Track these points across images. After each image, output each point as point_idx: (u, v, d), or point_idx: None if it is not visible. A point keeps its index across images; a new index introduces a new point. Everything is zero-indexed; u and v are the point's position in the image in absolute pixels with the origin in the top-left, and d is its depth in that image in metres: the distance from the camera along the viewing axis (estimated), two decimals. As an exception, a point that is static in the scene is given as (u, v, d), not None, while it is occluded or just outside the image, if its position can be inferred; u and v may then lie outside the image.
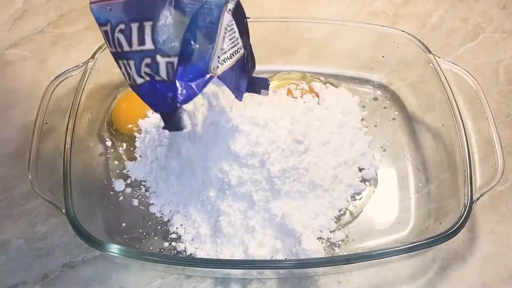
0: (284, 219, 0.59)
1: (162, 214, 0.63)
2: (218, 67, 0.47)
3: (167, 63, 0.45)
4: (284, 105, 0.68)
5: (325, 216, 0.62)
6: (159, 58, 0.45)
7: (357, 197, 0.65)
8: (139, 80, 0.46)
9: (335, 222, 0.63)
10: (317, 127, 0.67)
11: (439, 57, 0.68)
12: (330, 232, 0.62)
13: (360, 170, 0.67)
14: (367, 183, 0.66)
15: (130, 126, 0.70)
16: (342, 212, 0.64)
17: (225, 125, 0.59)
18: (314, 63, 0.77)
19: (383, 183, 0.67)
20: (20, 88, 0.77)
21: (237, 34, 0.49)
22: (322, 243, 0.60)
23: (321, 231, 0.62)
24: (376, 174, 0.67)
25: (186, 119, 0.47)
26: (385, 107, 0.75)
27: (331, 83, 0.76)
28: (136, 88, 0.47)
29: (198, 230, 0.61)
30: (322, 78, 0.76)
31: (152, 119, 0.70)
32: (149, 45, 0.45)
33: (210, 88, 0.55)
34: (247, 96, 0.57)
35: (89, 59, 0.67)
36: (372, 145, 0.70)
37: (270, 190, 0.60)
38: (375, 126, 0.72)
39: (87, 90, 0.66)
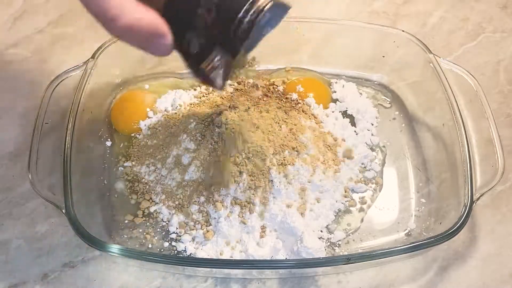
0: (285, 218, 0.59)
1: (162, 214, 0.63)
2: None
3: None
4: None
5: (326, 217, 0.62)
6: None
7: (358, 197, 0.65)
8: None
9: (335, 222, 0.63)
10: (318, 128, 0.67)
11: (439, 57, 0.68)
12: (330, 232, 0.62)
13: (362, 170, 0.67)
14: (368, 183, 0.66)
15: (129, 126, 0.70)
16: (342, 213, 0.64)
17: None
18: (314, 62, 0.77)
19: (384, 183, 0.67)
20: (20, 88, 0.77)
21: None
22: (322, 242, 0.60)
23: (321, 231, 0.62)
24: (378, 175, 0.67)
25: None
26: (385, 107, 0.75)
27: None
28: None
29: (198, 230, 0.61)
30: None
31: (153, 120, 0.70)
32: None
33: None
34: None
35: (89, 59, 0.67)
36: (372, 146, 0.70)
37: (271, 190, 0.60)
38: (375, 126, 0.72)
39: (87, 90, 0.66)
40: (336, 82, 0.76)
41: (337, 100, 0.73)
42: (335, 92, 0.74)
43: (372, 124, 0.72)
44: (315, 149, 0.64)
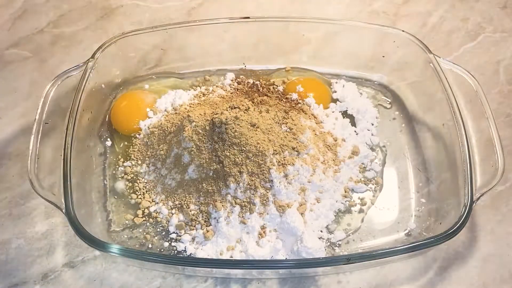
0: (285, 218, 0.59)
1: (162, 214, 0.63)
2: None
3: None
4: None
5: (326, 217, 0.62)
6: None
7: (358, 197, 0.65)
8: None
9: (335, 222, 0.63)
10: (318, 128, 0.67)
11: (439, 57, 0.68)
12: (330, 232, 0.62)
13: (362, 171, 0.67)
14: (368, 184, 0.66)
15: (129, 126, 0.70)
16: (342, 213, 0.64)
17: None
18: (314, 62, 0.77)
19: (384, 183, 0.67)
20: (20, 88, 0.77)
21: None
22: (322, 242, 0.60)
23: (321, 231, 0.62)
24: (378, 175, 0.67)
25: None
26: (385, 107, 0.75)
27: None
28: None
29: (198, 230, 0.61)
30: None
31: (153, 120, 0.70)
32: None
33: None
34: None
35: (89, 59, 0.67)
36: (372, 146, 0.70)
37: (271, 190, 0.60)
38: (376, 126, 0.72)
39: (87, 90, 0.66)
40: (336, 82, 0.76)
41: (337, 100, 0.74)
42: (335, 92, 0.74)
43: (372, 124, 0.72)
44: (315, 149, 0.64)
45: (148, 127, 0.69)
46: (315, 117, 0.69)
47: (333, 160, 0.65)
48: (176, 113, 0.69)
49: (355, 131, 0.70)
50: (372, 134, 0.71)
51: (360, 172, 0.67)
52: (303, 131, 0.64)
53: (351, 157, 0.67)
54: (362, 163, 0.68)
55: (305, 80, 0.74)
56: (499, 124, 0.64)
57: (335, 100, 0.74)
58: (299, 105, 0.70)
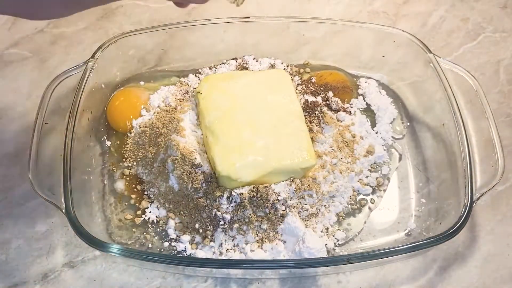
0: (287, 218, 0.59)
1: (160, 214, 0.63)
2: None
3: None
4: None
5: (328, 219, 0.62)
6: None
7: (361, 198, 0.65)
8: None
9: (336, 223, 0.63)
10: (338, 123, 0.67)
11: (439, 57, 0.68)
12: (331, 232, 0.62)
13: (372, 171, 0.67)
14: (372, 185, 0.66)
15: (122, 124, 0.69)
16: (344, 213, 0.64)
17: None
18: (314, 62, 0.77)
19: (384, 184, 0.67)
20: (20, 88, 0.77)
21: None
22: (323, 242, 0.60)
23: (321, 231, 0.62)
24: (383, 177, 0.67)
25: None
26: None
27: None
28: None
29: (196, 236, 0.61)
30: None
31: (145, 118, 0.68)
32: None
33: None
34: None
35: (89, 59, 0.67)
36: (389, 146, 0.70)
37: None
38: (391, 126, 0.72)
39: (87, 90, 0.66)
40: (360, 78, 0.75)
41: (361, 95, 0.72)
42: (359, 87, 0.73)
43: (390, 124, 0.71)
44: (333, 145, 0.64)
45: (139, 125, 0.67)
46: (335, 112, 0.69)
47: (350, 156, 0.65)
48: (167, 111, 0.67)
49: (374, 129, 0.69)
50: (392, 137, 0.70)
51: (370, 172, 0.66)
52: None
53: (366, 155, 0.66)
54: (375, 163, 0.67)
55: (325, 74, 0.73)
56: (499, 124, 0.64)
57: (357, 96, 0.72)
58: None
